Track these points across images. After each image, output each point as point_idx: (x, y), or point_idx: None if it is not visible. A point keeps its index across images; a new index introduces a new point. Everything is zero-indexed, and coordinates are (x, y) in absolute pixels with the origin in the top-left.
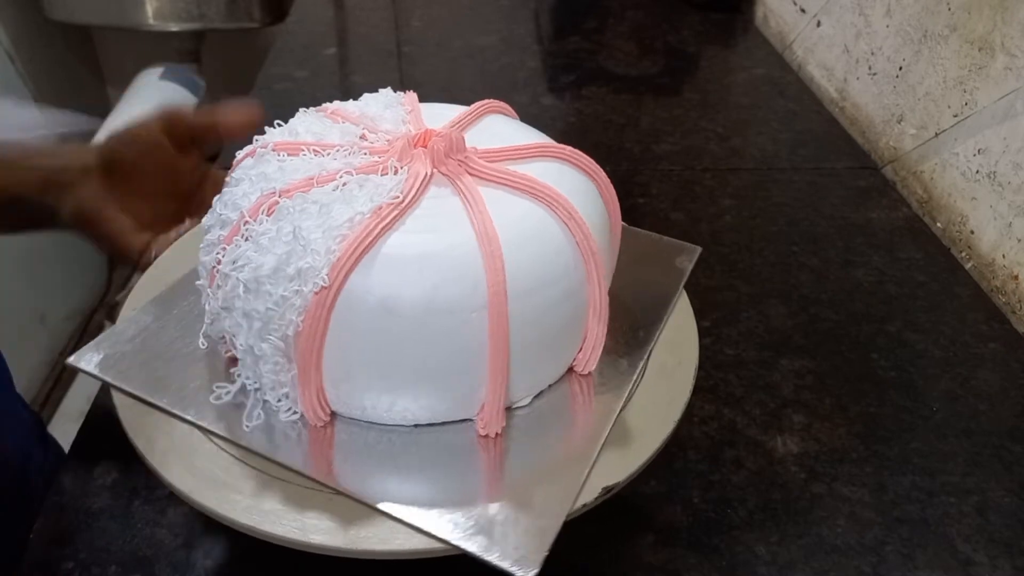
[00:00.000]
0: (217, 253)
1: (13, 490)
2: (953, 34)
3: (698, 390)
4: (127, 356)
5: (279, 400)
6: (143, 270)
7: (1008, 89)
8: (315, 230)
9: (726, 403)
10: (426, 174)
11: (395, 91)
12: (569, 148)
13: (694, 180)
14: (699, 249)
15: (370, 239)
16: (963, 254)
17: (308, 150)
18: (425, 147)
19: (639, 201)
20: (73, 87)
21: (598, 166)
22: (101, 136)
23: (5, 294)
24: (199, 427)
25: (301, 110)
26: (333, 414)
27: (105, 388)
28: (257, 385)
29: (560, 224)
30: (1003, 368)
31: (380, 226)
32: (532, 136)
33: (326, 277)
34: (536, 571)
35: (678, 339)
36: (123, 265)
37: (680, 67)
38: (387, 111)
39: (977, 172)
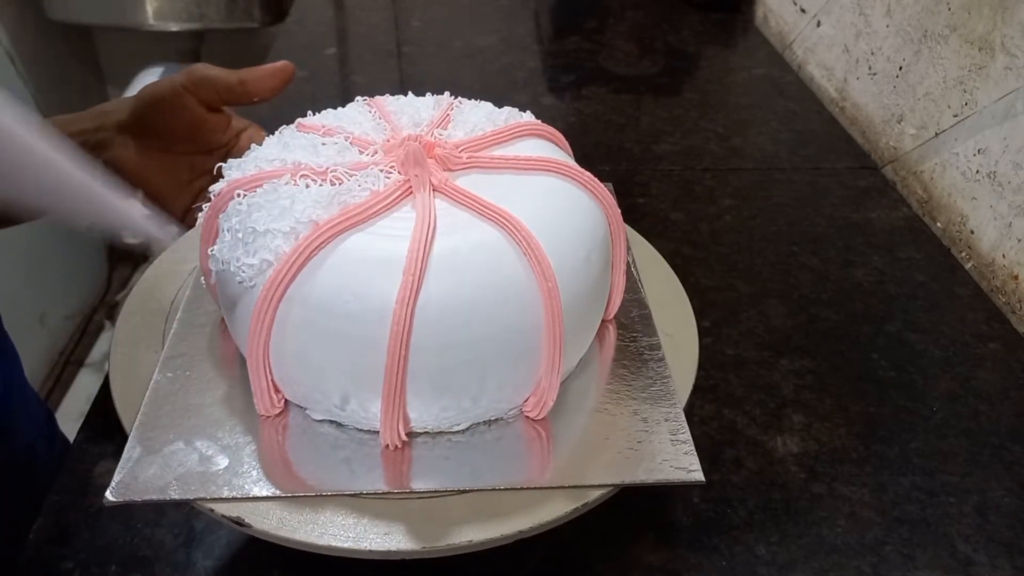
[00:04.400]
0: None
1: (18, 485)
2: (953, 34)
3: (698, 390)
4: None
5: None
6: (191, 227)
7: (1008, 89)
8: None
9: (726, 403)
10: (404, 183)
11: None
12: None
13: (694, 180)
14: None
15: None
16: (963, 254)
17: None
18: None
19: (639, 201)
20: (73, 87)
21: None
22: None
23: (5, 294)
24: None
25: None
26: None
27: (105, 389)
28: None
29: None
30: (1003, 368)
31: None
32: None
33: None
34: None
35: (678, 339)
36: (170, 223)
37: (680, 67)
38: (422, 112)
39: (977, 172)
